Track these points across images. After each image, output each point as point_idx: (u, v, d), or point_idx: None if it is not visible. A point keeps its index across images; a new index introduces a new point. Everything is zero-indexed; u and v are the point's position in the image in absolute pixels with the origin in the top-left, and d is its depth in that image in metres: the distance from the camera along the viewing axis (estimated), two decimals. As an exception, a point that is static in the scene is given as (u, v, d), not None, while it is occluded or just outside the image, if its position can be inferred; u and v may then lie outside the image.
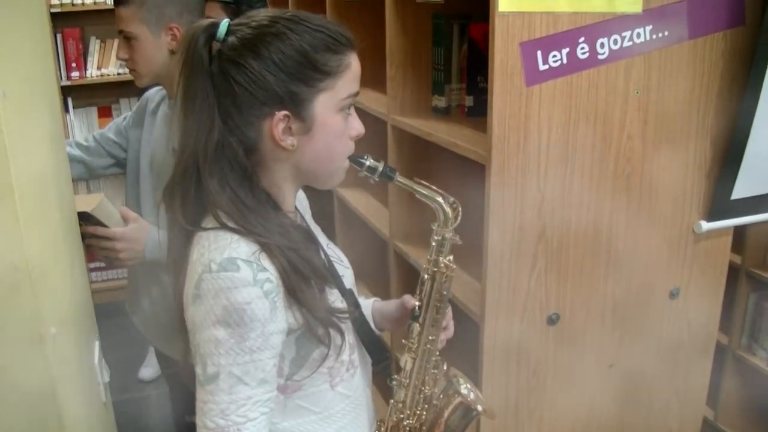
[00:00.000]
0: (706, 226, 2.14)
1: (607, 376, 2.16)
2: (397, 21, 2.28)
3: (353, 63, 1.33)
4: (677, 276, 2.18)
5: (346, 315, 1.39)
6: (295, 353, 1.34)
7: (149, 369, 4.15)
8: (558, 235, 1.94)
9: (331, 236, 3.24)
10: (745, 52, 2.02)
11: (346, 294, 1.46)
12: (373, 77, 2.41)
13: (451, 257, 1.50)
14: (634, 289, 2.12)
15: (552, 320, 1.99)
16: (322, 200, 3.11)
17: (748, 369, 3.25)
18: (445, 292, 1.52)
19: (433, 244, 1.50)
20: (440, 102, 2.33)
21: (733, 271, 3.12)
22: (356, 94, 1.35)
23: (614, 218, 2.01)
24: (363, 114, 2.45)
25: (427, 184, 1.46)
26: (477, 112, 2.24)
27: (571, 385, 2.10)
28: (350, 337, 1.46)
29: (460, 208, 1.48)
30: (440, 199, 1.46)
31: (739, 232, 2.98)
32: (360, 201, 2.85)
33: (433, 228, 1.49)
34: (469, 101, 2.30)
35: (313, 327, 1.31)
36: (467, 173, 2.00)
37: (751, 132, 2.03)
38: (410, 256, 2.33)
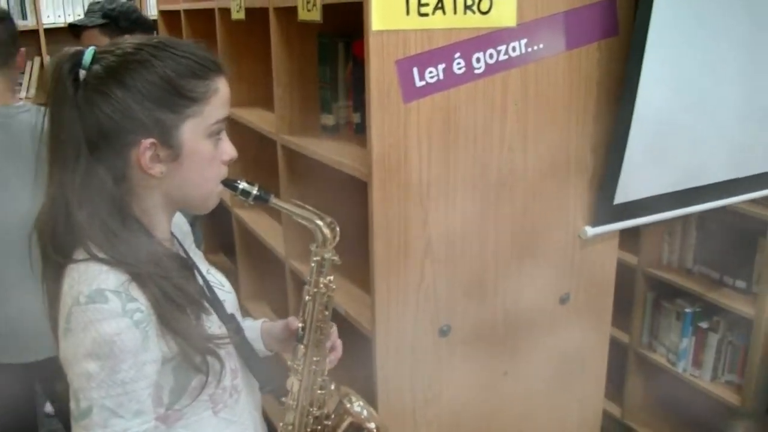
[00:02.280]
0: (591, 231, 2.20)
1: (503, 383, 2.18)
2: (282, 40, 2.28)
3: (221, 88, 1.32)
4: (567, 282, 2.23)
5: (225, 341, 1.38)
6: (173, 382, 1.32)
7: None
8: (444, 248, 1.95)
9: (232, 257, 3.24)
10: (619, 61, 2.08)
11: (227, 319, 1.45)
12: (262, 97, 2.41)
13: (332, 277, 1.50)
14: (525, 296, 2.14)
15: (443, 332, 2.01)
16: (221, 221, 3.10)
17: (649, 366, 3.35)
18: (327, 313, 1.52)
19: (313, 265, 1.50)
20: (329, 120, 2.33)
21: (630, 272, 3.22)
22: (225, 118, 1.35)
23: (500, 229, 2.04)
24: (252, 134, 2.44)
25: (303, 204, 1.46)
26: (365, 129, 2.21)
27: (467, 395, 2.12)
28: (232, 363, 1.45)
29: (338, 228, 1.48)
30: (318, 221, 1.46)
31: (634, 233, 3.07)
32: (258, 221, 2.82)
33: (312, 249, 1.49)
34: (356, 118, 2.30)
35: (190, 355, 1.29)
36: (357, 191, 2.00)
37: (629, 139, 2.09)
38: (305, 274, 2.31)
